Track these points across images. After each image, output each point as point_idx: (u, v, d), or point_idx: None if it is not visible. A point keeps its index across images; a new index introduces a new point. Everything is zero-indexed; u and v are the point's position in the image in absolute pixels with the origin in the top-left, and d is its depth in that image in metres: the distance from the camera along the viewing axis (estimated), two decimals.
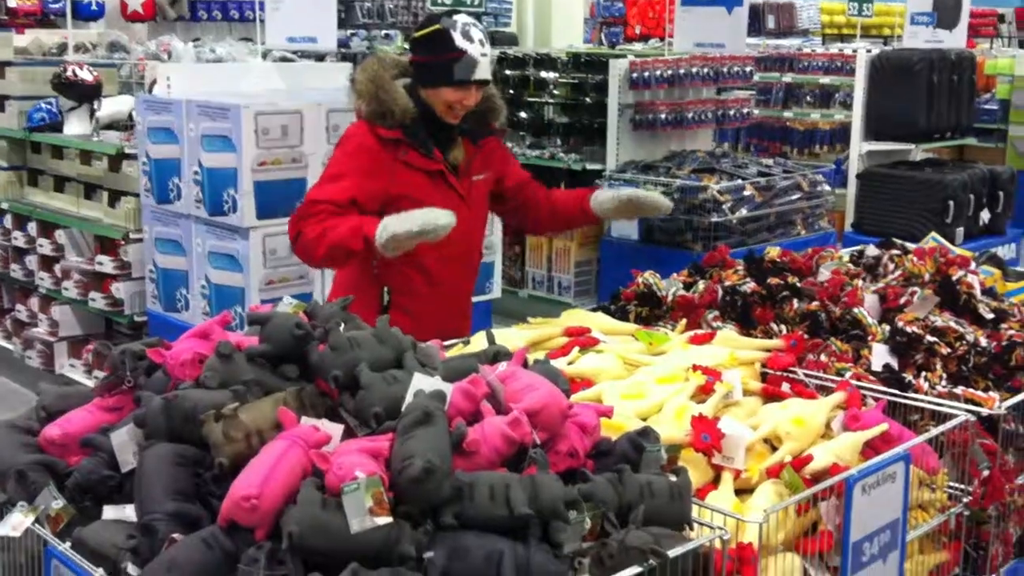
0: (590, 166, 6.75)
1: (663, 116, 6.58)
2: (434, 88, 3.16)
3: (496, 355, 2.33)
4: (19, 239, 6.04)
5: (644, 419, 2.32)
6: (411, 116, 3.15)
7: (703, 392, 2.46)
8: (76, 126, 5.81)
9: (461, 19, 3.15)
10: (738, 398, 2.50)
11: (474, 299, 5.09)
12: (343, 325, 2.25)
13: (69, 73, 5.77)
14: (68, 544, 1.85)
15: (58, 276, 5.70)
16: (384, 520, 1.69)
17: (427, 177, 3.21)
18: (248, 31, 7.74)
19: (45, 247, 5.81)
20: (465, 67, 3.09)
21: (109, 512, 1.92)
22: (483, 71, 3.13)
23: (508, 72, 7.53)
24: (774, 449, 2.30)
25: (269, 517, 1.74)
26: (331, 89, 5.57)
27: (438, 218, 2.87)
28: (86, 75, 5.77)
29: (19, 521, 1.90)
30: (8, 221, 6.14)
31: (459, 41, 3.09)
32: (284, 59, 6.94)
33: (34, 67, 6.21)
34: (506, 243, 5.36)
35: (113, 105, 5.80)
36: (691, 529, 1.93)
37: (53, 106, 5.91)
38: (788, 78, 9.67)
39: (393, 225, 2.90)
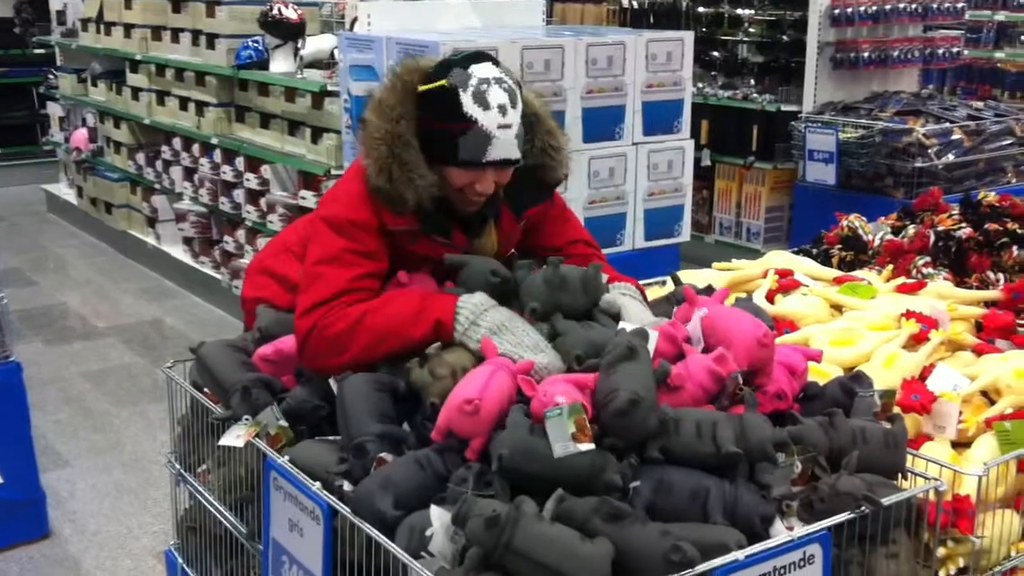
0: (785, 107, 6.51)
1: (866, 55, 6.26)
2: (440, 165, 2.20)
3: (679, 300, 2.28)
4: (227, 173, 6.34)
5: (850, 368, 2.24)
6: (428, 201, 2.19)
7: (915, 341, 2.35)
8: (281, 64, 6.01)
9: (480, 71, 2.15)
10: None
11: (662, 242, 5.07)
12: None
13: (275, 12, 5.96)
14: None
15: (263, 210, 5.95)
16: (586, 447, 1.69)
17: (439, 266, 2.29)
18: None
19: (252, 181, 6.07)
20: (474, 144, 2.13)
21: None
22: (501, 149, 2.14)
23: (701, 9, 7.33)
24: (992, 403, 2.19)
25: (486, 425, 1.77)
26: (524, 27, 5.58)
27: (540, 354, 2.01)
28: (291, 14, 5.96)
29: (243, 433, 2.02)
30: (217, 156, 6.45)
31: (468, 106, 2.13)
32: None
33: (242, 6, 6.41)
34: (694, 187, 5.23)
35: (316, 43, 5.97)
36: (905, 479, 1.86)
37: (260, 44, 6.12)
38: (1001, 16, 9.03)
39: (492, 319, 2.05)
